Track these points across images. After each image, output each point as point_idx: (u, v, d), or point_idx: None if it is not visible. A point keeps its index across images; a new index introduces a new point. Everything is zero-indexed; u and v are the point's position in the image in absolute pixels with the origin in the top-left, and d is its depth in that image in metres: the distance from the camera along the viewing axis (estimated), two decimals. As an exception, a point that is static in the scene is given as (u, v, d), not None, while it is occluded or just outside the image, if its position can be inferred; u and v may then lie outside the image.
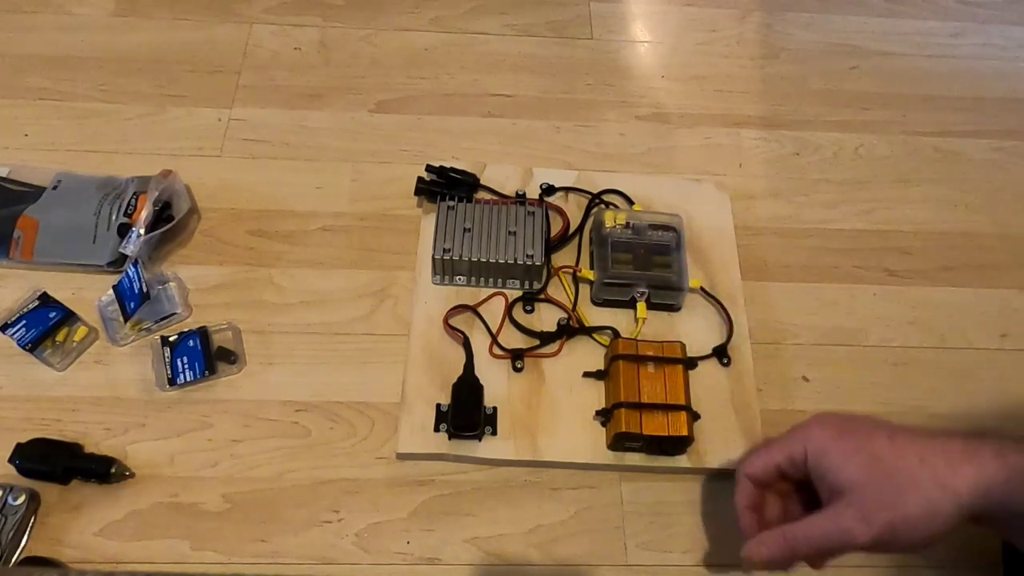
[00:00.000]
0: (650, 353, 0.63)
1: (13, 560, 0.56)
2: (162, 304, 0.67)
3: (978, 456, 0.46)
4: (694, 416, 0.62)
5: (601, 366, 0.66)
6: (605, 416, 0.63)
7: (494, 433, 0.63)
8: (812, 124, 0.86)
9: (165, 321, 0.67)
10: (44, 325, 0.65)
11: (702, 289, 0.71)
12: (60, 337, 0.65)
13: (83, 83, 0.82)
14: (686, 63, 0.91)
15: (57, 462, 0.59)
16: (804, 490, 0.54)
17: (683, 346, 0.65)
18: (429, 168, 0.76)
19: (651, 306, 0.69)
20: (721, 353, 0.68)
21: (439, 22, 0.91)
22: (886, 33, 0.96)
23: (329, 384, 0.66)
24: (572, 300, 0.70)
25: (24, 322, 0.65)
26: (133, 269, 0.67)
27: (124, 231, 0.69)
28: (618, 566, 0.60)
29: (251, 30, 0.88)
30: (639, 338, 0.67)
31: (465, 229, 0.70)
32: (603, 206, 0.76)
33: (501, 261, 0.68)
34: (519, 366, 0.66)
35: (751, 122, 0.86)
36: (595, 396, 0.65)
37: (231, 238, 0.73)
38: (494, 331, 0.68)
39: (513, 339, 0.68)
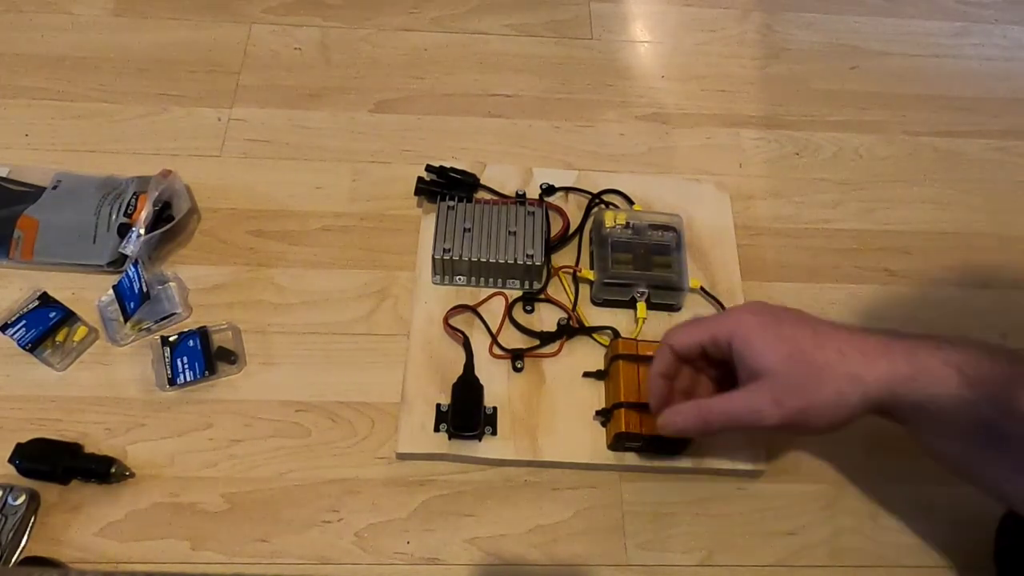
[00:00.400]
0: (650, 353, 0.63)
1: (13, 560, 0.56)
2: (162, 304, 0.67)
3: (891, 352, 0.48)
4: (694, 416, 0.62)
5: (601, 366, 0.66)
6: (605, 416, 0.64)
7: (494, 433, 0.63)
8: (812, 124, 0.86)
9: (165, 321, 0.67)
10: (44, 325, 0.65)
11: (702, 289, 0.71)
12: (60, 337, 0.65)
13: (83, 83, 0.82)
14: (686, 63, 0.91)
15: (57, 462, 0.59)
16: (716, 368, 0.57)
17: (683, 346, 0.65)
18: (429, 168, 0.76)
19: (651, 306, 0.69)
20: (721, 353, 0.68)
21: (439, 22, 0.92)
22: (886, 33, 0.96)
23: (329, 384, 0.66)
24: (572, 300, 0.70)
25: (24, 322, 0.65)
26: (133, 269, 0.67)
27: (124, 231, 0.69)
28: (618, 566, 0.60)
29: (251, 30, 0.88)
30: (639, 338, 0.67)
31: (465, 229, 0.70)
32: (603, 206, 0.76)
33: (501, 261, 0.68)
34: (519, 366, 0.66)
35: (751, 122, 0.86)
36: (595, 396, 0.65)
37: (231, 238, 0.73)
38: (494, 331, 0.68)
39: (513, 339, 0.68)
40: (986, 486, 0.50)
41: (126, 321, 0.66)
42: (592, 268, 0.71)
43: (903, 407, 0.48)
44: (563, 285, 0.71)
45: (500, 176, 0.77)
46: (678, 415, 0.54)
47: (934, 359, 0.47)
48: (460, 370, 0.65)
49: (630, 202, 0.76)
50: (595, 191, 0.76)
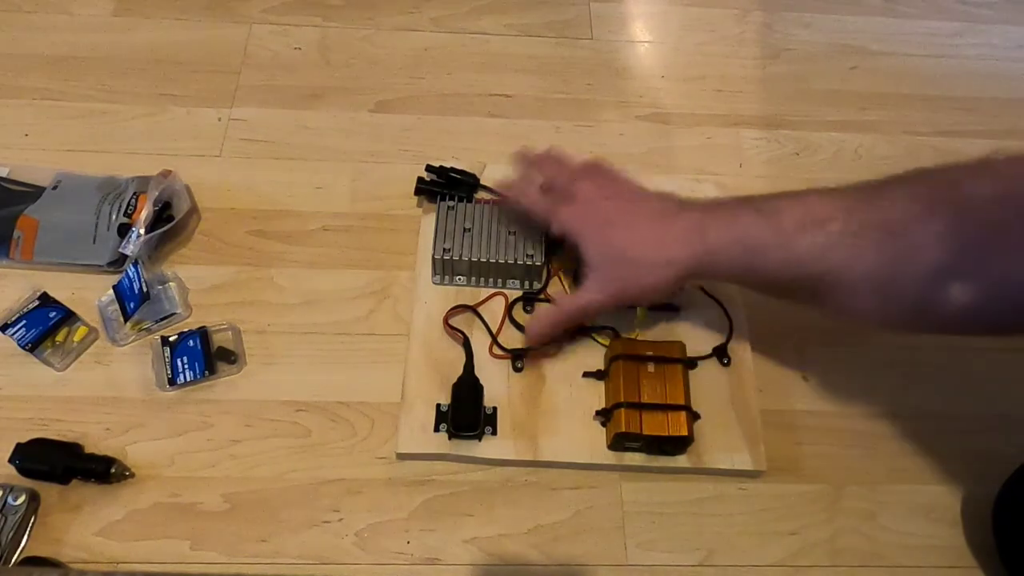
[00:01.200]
0: (650, 353, 0.63)
1: (13, 560, 0.56)
2: (162, 304, 0.67)
3: (703, 233, 0.58)
4: (694, 416, 0.62)
5: (601, 366, 0.66)
6: (605, 416, 0.63)
7: (494, 433, 0.63)
8: (812, 124, 0.86)
9: (165, 321, 0.67)
10: (44, 325, 0.65)
11: (702, 289, 0.71)
12: (60, 337, 0.65)
13: (83, 83, 0.82)
14: (686, 63, 0.91)
15: (57, 462, 0.59)
16: None
17: (683, 346, 0.65)
18: (429, 168, 0.76)
19: (651, 306, 0.69)
20: (721, 353, 0.68)
21: (439, 22, 0.92)
22: (886, 33, 0.96)
23: (329, 384, 0.66)
24: (572, 300, 0.70)
25: (24, 322, 0.65)
26: (133, 269, 0.67)
27: (124, 231, 0.69)
28: (618, 566, 0.60)
29: (251, 30, 0.88)
30: (639, 338, 0.67)
31: (465, 229, 0.70)
32: (603, 206, 0.75)
33: (501, 261, 0.68)
34: (519, 366, 0.66)
35: (751, 122, 0.86)
36: (595, 396, 0.65)
37: (231, 238, 0.73)
38: (494, 331, 0.68)
39: (513, 339, 0.68)
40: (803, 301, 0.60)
41: (126, 321, 0.66)
42: (592, 268, 0.71)
43: (713, 274, 0.60)
44: (563, 285, 0.71)
45: (500, 176, 0.77)
46: (537, 321, 0.65)
47: (728, 235, 0.58)
48: (460, 370, 0.65)
49: (630, 202, 0.76)
50: (595, 191, 0.76)
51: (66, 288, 0.68)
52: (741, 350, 0.68)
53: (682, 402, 0.61)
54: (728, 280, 0.65)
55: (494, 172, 0.77)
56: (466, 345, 0.66)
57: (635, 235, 0.60)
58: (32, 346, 0.64)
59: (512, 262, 0.68)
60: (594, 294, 0.62)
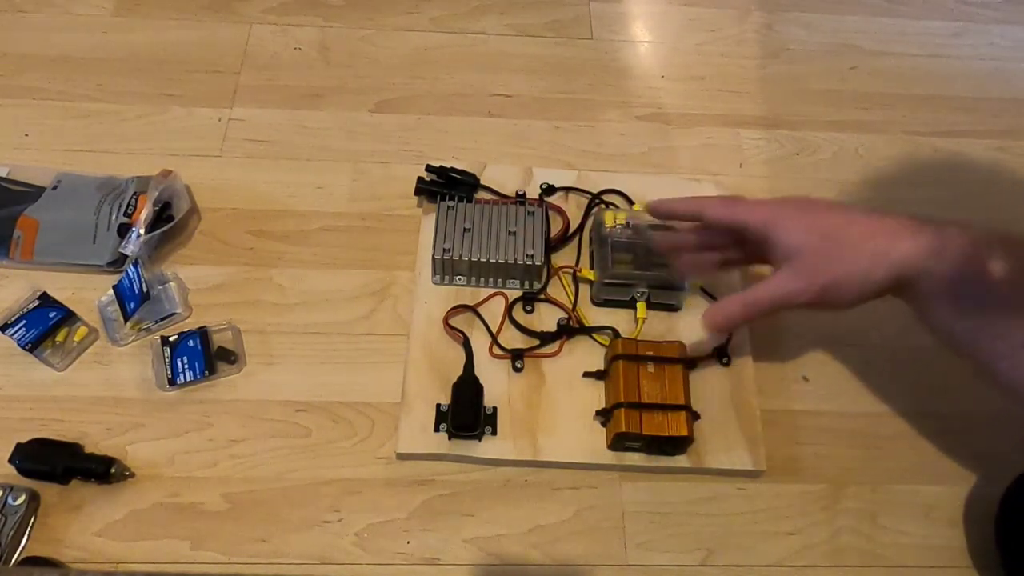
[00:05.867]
0: (650, 353, 0.63)
1: (13, 560, 0.56)
2: (162, 304, 0.67)
3: (920, 230, 0.51)
4: (694, 416, 0.62)
5: (601, 366, 0.66)
6: (605, 416, 0.63)
7: (494, 433, 0.63)
8: (812, 124, 0.86)
9: (165, 321, 0.67)
10: (44, 325, 0.65)
11: (702, 289, 0.71)
12: (60, 337, 0.65)
13: (83, 83, 0.82)
14: (686, 63, 0.91)
15: (57, 462, 0.59)
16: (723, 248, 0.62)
17: (683, 346, 0.65)
18: (429, 168, 0.76)
19: (651, 306, 0.69)
20: (721, 353, 0.68)
21: (439, 22, 0.92)
22: (886, 33, 0.96)
23: (329, 384, 0.66)
24: (572, 300, 0.70)
25: (24, 322, 0.65)
26: (133, 269, 0.67)
27: (124, 231, 0.69)
28: (618, 566, 0.60)
29: (251, 30, 0.88)
30: (639, 338, 0.67)
31: (465, 229, 0.70)
32: (603, 206, 0.76)
33: (501, 261, 0.68)
34: (519, 366, 0.66)
35: (751, 122, 0.86)
36: (595, 396, 0.65)
37: (231, 238, 0.73)
38: (494, 331, 0.68)
39: (513, 339, 0.68)
40: (987, 362, 0.52)
41: (126, 321, 0.66)
42: (592, 268, 0.71)
43: (925, 280, 0.50)
44: (563, 285, 0.71)
45: (500, 176, 0.77)
46: (723, 308, 0.57)
47: (962, 237, 0.50)
48: (460, 370, 0.65)
49: (630, 202, 0.76)
50: (595, 191, 0.76)
51: (66, 288, 0.68)
52: (741, 350, 0.68)
53: (682, 402, 0.61)
54: (946, 298, 0.51)
55: (494, 172, 0.77)
56: (466, 345, 0.66)
57: (850, 217, 0.53)
58: (32, 346, 0.64)
59: (512, 262, 0.68)
60: (798, 283, 0.53)
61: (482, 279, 0.70)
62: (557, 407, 0.65)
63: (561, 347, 0.67)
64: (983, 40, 0.96)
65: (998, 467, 0.63)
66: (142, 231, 0.68)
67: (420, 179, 0.75)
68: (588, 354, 0.67)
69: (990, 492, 0.62)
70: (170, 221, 0.70)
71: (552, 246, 0.72)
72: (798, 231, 0.53)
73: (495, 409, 0.64)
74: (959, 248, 0.49)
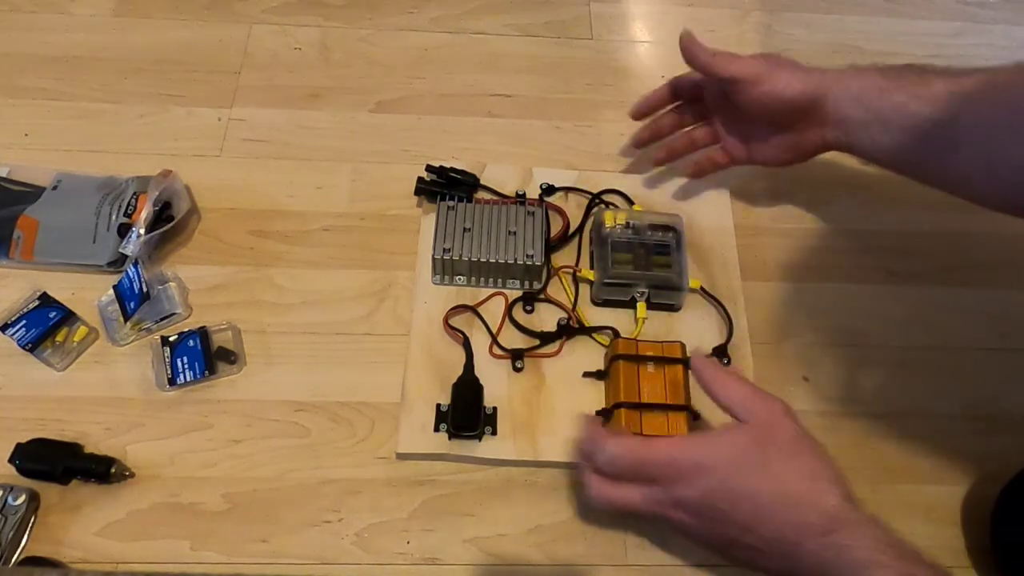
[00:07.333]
0: (650, 353, 0.63)
1: (13, 560, 0.56)
2: (162, 304, 0.67)
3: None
4: (694, 416, 0.62)
5: (601, 366, 0.66)
6: (605, 416, 0.63)
7: (494, 433, 0.63)
8: (812, 124, 0.86)
9: (165, 321, 0.67)
10: (44, 325, 0.65)
11: (702, 289, 0.71)
12: (60, 337, 0.65)
13: (83, 83, 0.82)
14: (686, 63, 0.91)
15: (57, 462, 0.59)
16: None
17: (683, 346, 0.65)
18: (429, 168, 0.76)
19: (651, 306, 0.69)
20: (721, 353, 0.68)
21: (439, 22, 0.91)
22: (886, 33, 0.96)
23: (329, 384, 0.66)
24: (572, 300, 0.70)
25: (24, 322, 0.65)
26: (133, 269, 0.67)
27: (124, 231, 0.69)
28: (618, 566, 0.60)
29: (251, 30, 0.88)
30: (639, 338, 0.67)
31: (465, 229, 0.70)
32: (603, 206, 0.76)
33: (501, 261, 0.68)
34: (519, 366, 0.66)
35: (751, 122, 0.86)
36: (595, 396, 0.65)
37: (231, 238, 0.73)
38: (494, 331, 0.68)
39: (513, 339, 0.68)
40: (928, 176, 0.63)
41: (126, 321, 0.66)
42: (592, 268, 0.71)
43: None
44: (563, 285, 0.71)
45: (500, 176, 0.77)
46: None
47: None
48: (460, 370, 0.65)
49: (630, 202, 0.76)
50: (595, 191, 0.77)
51: (66, 288, 0.68)
52: (741, 350, 0.68)
53: (682, 402, 0.61)
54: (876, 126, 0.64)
55: (494, 172, 0.77)
56: (466, 345, 0.66)
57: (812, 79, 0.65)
58: (32, 346, 0.64)
59: (512, 262, 0.68)
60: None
61: (482, 279, 0.70)
62: (557, 407, 0.65)
63: (561, 347, 0.67)
64: (983, 40, 0.96)
65: (998, 467, 0.63)
66: (142, 231, 0.68)
67: (420, 179, 0.75)
68: (588, 354, 0.67)
69: (990, 493, 0.62)
70: (170, 221, 0.70)
71: (552, 246, 0.72)
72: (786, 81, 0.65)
73: (495, 409, 0.64)
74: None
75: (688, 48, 0.68)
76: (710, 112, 0.73)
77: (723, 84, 0.68)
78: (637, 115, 0.75)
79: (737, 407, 0.52)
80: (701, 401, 0.64)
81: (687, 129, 0.75)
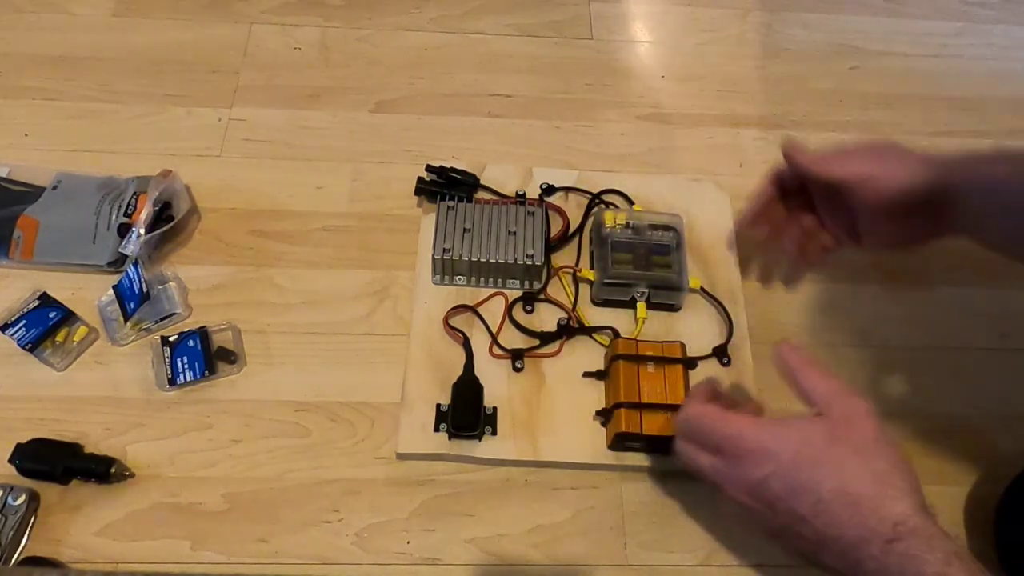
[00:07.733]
0: (650, 353, 0.63)
1: (13, 560, 0.56)
2: (162, 304, 0.67)
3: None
4: (694, 416, 0.62)
5: (601, 366, 0.66)
6: (605, 416, 0.63)
7: (494, 433, 0.63)
8: (812, 124, 0.86)
9: (165, 321, 0.67)
10: (44, 325, 0.65)
11: (702, 289, 0.71)
12: (60, 337, 0.65)
13: (83, 83, 0.82)
14: (686, 63, 0.91)
15: (57, 462, 0.59)
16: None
17: (683, 346, 0.65)
18: (429, 168, 0.76)
19: (651, 306, 0.69)
20: (721, 353, 0.68)
21: (439, 22, 0.92)
22: (886, 33, 0.96)
23: (329, 384, 0.66)
24: (572, 300, 0.70)
25: (24, 322, 0.65)
26: (133, 269, 0.67)
27: (124, 231, 0.69)
28: (618, 566, 0.60)
29: (251, 30, 0.88)
30: (639, 338, 0.67)
31: (465, 229, 0.70)
32: (603, 206, 0.76)
33: (501, 261, 0.68)
34: (519, 366, 0.66)
35: (751, 122, 0.86)
36: (595, 396, 0.65)
37: (231, 238, 0.73)
38: (494, 331, 0.68)
39: (513, 339, 0.68)
40: None
41: (126, 321, 0.66)
42: (592, 268, 0.71)
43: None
44: (563, 285, 0.71)
45: (500, 176, 0.77)
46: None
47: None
48: (460, 370, 0.65)
49: (630, 202, 0.76)
50: (595, 191, 0.76)
51: (66, 288, 0.68)
52: (741, 350, 0.68)
53: (682, 402, 0.61)
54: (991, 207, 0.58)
55: (494, 172, 0.77)
56: (466, 345, 0.66)
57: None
58: (32, 346, 0.64)
59: (512, 262, 0.68)
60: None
61: (482, 279, 0.70)
62: (557, 407, 0.65)
63: (561, 347, 0.67)
64: (983, 40, 0.96)
65: (999, 468, 0.63)
66: (142, 231, 0.68)
67: (420, 179, 0.75)
68: (588, 354, 0.67)
69: (991, 493, 0.62)
70: (170, 221, 0.70)
71: (552, 246, 0.72)
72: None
73: (495, 409, 0.64)
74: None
75: (790, 157, 0.61)
76: (815, 202, 0.64)
77: (831, 185, 0.60)
78: (747, 225, 0.65)
79: (817, 399, 0.52)
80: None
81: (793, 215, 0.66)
